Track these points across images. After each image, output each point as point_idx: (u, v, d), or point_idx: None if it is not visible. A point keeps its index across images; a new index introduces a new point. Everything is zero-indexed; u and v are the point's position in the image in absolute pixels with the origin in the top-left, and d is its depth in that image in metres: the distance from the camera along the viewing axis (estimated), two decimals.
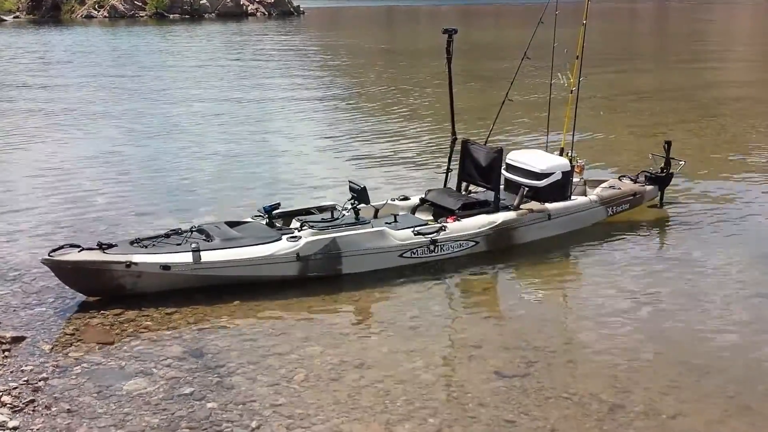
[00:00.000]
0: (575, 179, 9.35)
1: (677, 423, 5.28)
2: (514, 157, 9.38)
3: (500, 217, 8.53)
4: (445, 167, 9.49)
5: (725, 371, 6.00)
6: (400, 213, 8.72)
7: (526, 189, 8.86)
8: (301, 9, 64.42)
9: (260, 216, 8.15)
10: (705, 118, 17.01)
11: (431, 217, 8.79)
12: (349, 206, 7.99)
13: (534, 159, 9.23)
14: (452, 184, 9.37)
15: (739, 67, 28.32)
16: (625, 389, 5.68)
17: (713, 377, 5.90)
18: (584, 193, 9.48)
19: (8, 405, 5.34)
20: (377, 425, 5.21)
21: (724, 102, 19.55)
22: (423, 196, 9.13)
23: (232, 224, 7.93)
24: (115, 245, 7.30)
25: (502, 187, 9.03)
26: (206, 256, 7.25)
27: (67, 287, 7.23)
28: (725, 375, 5.94)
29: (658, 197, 10.15)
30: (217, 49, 34.60)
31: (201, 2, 57.01)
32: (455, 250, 8.23)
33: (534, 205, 8.81)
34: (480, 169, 8.91)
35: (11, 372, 5.84)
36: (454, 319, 7.32)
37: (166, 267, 7.14)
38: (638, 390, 5.67)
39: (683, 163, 10.26)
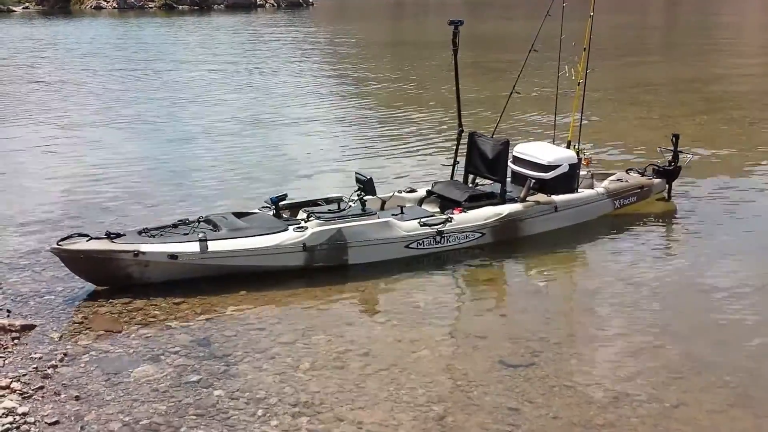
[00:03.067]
0: (582, 172, 9.36)
1: (679, 412, 5.31)
2: (521, 150, 9.40)
3: (506, 208, 8.55)
4: (452, 159, 9.52)
5: (728, 362, 6.03)
6: (407, 205, 8.76)
7: (533, 181, 8.88)
8: (310, 0, 64.34)
9: (267, 207, 8.19)
10: (714, 111, 16.96)
11: (438, 209, 8.82)
12: (356, 197, 8.04)
13: (541, 151, 9.24)
14: (459, 176, 9.40)
15: (749, 60, 28.18)
16: (628, 379, 5.72)
17: (716, 368, 5.92)
18: (591, 186, 9.49)
19: (18, 391, 5.40)
20: (382, 413, 5.26)
21: (732, 95, 19.49)
22: (430, 188, 9.16)
23: (239, 215, 7.98)
24: (123, 235, 7.37)
25: (508, 179, 9.07)
26: (213, 246, 7.30)
27: (76, 276, 7.29)
28: (728, 366, 5.96)
29: (666, 190, 10.15)
30: (226, 40, 34.62)
31: None
32: (461, 241, 8.26)
33: (540, 197, 8.83)
34: (487, 161, 8.93)
35: (21, 359, 5.90)
36: (459, 309, 7.37)
37: (173, 256, 7.19)
38: (641, 380, 5.71)
39: (691, 156, 10.25)
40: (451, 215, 8.32)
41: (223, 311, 6.84)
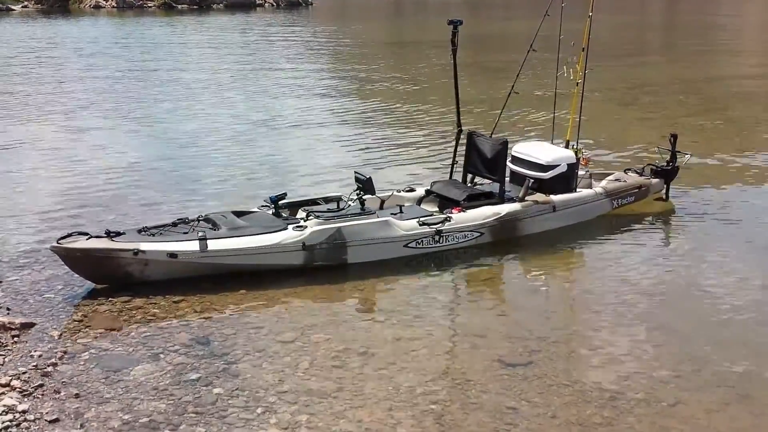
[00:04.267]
0: (581, 172, 9.39)
1: (677, 410, 5.34)
2: (519, 149, 9.42)
3: (505, 208, 8.57)
4: (451, 159, 9.54)
5: (726, 361, 6.05)
6: (406, 204, 8.78)
7: (531, 181, 8.90)
8: (310, 0, 64.31)
9: (267, 206, 8.21)
10: (712, 112, 16.99)
11: (437, 209, 8.84)
12: (355, 197, 8.06)
13: (539, 151, 9.27)
14: (458, 175, 9.42)
15: (748, 61, 28.20)
16: (626, 378, 5.74)
17: (714, 367, 5.95)
18: (590, 186, 9.51)
19: (18, 389, 5.42)
20: (380, 411, 5.28)
21: (731, 95, 19.52)
22: (428, 187, 9.18)
23: (238, 213, 8.00)
24: (123, 233, 7.38)
25: (507, 178, 9.08)
26: (213, 245, 7.32)
27: (76, 274, 7.31)
28: (725, 364, 5.99)
29: (664, 190, 10.17)
30: (227, 39, 34.62)
31: None
32: (460, 240, 8.28)
33: (539, 196, 8.85)
34: (485, 161, 8.96)
35: (21, 357, 5.92)
36: (458, 308, 7.39)
37: (173, 255, 7.21)
38: (639, 378, 5.73)
39: (689, 156, 10.27)
40: (450, 215, 8.34)
41: (222, 310, 6.87)
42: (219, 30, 39.92)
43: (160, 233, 7.50)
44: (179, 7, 55.16)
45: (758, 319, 6.89)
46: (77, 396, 5.39)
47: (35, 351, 6.02)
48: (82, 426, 5.05)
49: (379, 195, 8.67)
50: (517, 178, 9.18)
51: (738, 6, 60.65)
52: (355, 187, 8.13)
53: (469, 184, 9.27)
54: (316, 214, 7.83)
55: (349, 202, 8.07)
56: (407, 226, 8.06)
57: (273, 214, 8.08)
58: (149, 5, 55.07)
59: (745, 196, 10.61)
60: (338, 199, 8.23)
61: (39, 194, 10.39)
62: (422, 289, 7.45)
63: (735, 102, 18.49)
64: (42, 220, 9.28)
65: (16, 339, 6.21)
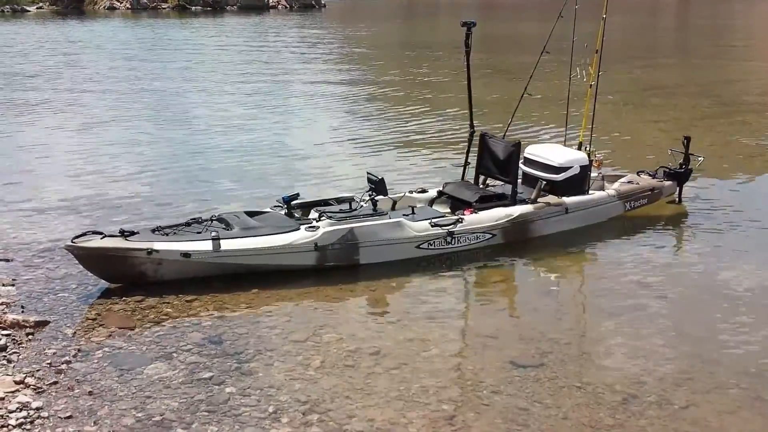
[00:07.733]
0: (593, 174, 9.37)
1: (689, 413, 5.33)
2: (532, 151, 9.42)
3: (517, 210, 8.57)
4: (463, 160, 9.54)
5: (738, 364, 6.03)
6: (418, 205, 8.80)
7: (544, 183, 8.90)
8: (323, 2, 64.41)
9: (279, 206, 8.25)
10: (725, 114, 16.91)
11: (449, 210, 8.85)
12: (367, 197, 8.08)
13: (552, 153, 9.26)
14: (470, 177, 9.43)
15: (762, 63, 28.05)
16: (638, 380, 5.73)
17: (726, 369, 5.93)
18: (602, 188, 9.50)
19: (32, 386, 5.47)
20: (392, 411, 5.29)
21: (745, 98, 19.42)
22: (441, 188, 9.19)
23: (251, 214, 8.04)
24: (137, 233, 7.43)
25: (519, 180, 9.08)
26: (226, 245, 7.35)
27: (90, 273, 7.36)
28: (737, 367, 5.96)
29: (677, 193, 10.14)
30: (239, 41, 34.73)
31: None
32: (472, 242, 8.29)
33: (551, 198, 8.85)
34: (498, 163, 8.96)
35: (35, 355, 5.97)
36: (469, 309, 7.40)
37: (186, 255, 7.25)
38: (651, 381, 5.72)
39: (702, 158, 10.23)
40: (461, 216, 8.35)
41: (235, 309, 6.90)
42: (234, 32, 40.02)
43: (174, 233, 7.54)
44: (193, 8, 55.37)
45: None
46: (91, 393, 5.43)
47: (49, 349, 6.07)
48: (95, 423, 5.08)
49: (391, 196, 8.68)
50: (530, 180, 9.17)
51: (751, 8, 60.32)
52: (368, 187, 8.15)
53: (481, 186, 9.27)
54: (329, 214, 7.85)
55: (362, 203, 8.09)
56: (419, 227, 8.08)
57: (285, 214, 8.11)
58: (163, 7, 55.31)
59: (758, 199, 10.56)
60: (350, 200, 8.24)
61: (54, 194, 10.45)
62: (434, 290, 7.47)
63: (748, 104, 18.39)
64: (56, 219, 9.35)
65: (30, 337, 6.26)
